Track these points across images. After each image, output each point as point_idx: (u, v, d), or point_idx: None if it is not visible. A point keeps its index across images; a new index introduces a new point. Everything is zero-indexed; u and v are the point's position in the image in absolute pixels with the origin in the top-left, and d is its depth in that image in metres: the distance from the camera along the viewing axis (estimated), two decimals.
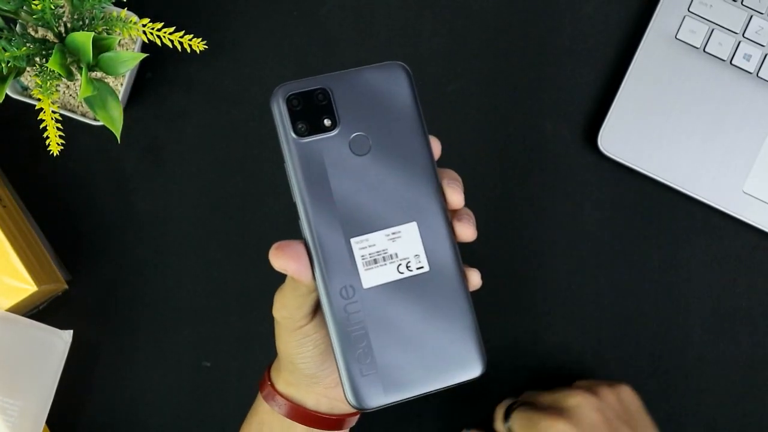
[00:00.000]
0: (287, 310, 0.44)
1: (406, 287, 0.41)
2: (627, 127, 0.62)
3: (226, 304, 0.63)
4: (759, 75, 0.62)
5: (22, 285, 0.57)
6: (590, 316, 0.64)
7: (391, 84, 0.42)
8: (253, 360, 0.63)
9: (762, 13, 0.62)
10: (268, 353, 0.63)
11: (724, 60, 0.62)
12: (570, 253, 0.64)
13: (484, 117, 0.64)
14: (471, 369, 0.41)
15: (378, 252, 0.41)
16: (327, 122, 0.41)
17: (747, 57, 0.62)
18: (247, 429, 0.51)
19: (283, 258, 0.40)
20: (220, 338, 0.63)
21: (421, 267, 0.41)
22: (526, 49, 0.64)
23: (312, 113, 0.41)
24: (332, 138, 0.41)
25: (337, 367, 0.40)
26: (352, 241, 0.41)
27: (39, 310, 0.62)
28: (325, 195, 0.41)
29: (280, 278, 0.60)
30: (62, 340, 0.59)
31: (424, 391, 0.41)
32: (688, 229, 0.64)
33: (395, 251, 0.41)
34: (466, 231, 0.42)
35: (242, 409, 0.63)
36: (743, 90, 0.62)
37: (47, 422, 0.59)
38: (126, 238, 0.63)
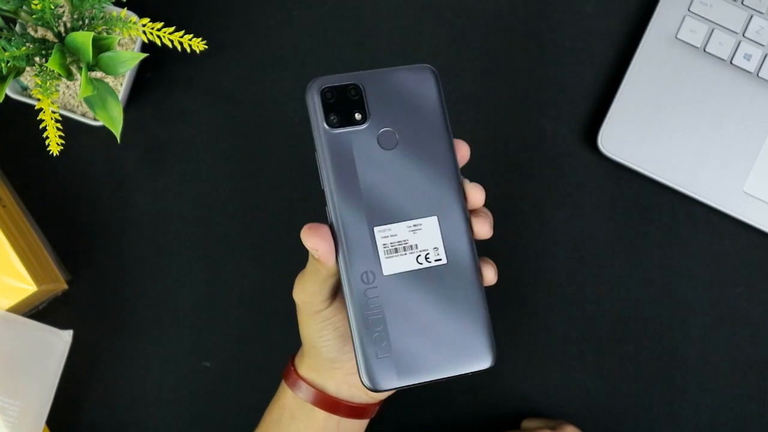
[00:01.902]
0: (306, 294, 0.46)
1: (423, 277, 0.43)
2: (627, 127, 0.62)
3: (226, 304, 0.63)
4: (759, 75, 0.62)
5: (22, 285, 0.57)
6: (590, 316, 0.64)
7: (420, 85, 0.44)
8: (253, 360, 0.63)
9: (762, 13, 0.62)
10: (268, 353, 0.63)
11: (724, 60, 0.62)
12: (570, 253, 0.64)
13: (484, 117, 0.64)
14: (481, 361, 0.43)
15: (399, 242, 0.43)
16: (357, 116, 0.43)
17: (747, 57, 0.62)
18: (269, 416, 0.52)
19: (315, 238, 0.42)
20: (220, 338, 0.63)
21: (440, 259, 0.43)
22: (526, 48, 0.64)
23: (344, 106, 0.43)
24: (361, 131, 0.43)
25: (354, 349, 0.42)
26: (376, 229, 0.43)
27: (39, 310, 0.62)
28: (352, 184, 0.43)
29: (281, 277, 0.60)
30: (62, 340, 0.59)
31: (435, 378, 0.42)
32: (688, 229, 0.64)
33: (416, 242, 0.43)
34: (484, 228, 0.44)
35: (242, 409, 0.63)
36: (743, 90, 0.62)
37: (47, 422, 0.59)
38: (126, 238, 0.63)
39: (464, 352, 0.43)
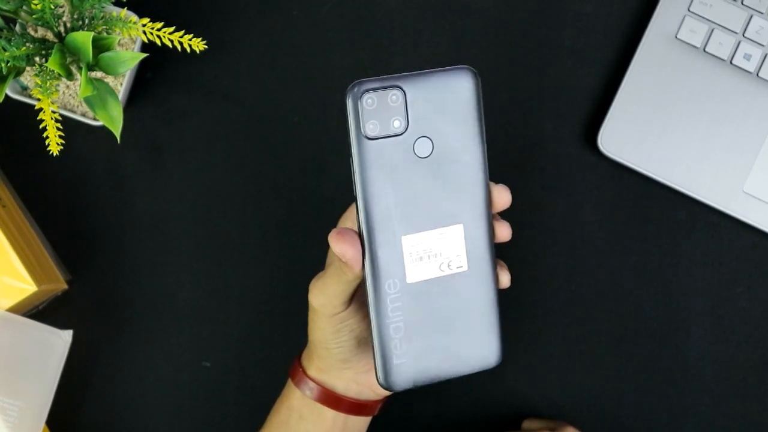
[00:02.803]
0: (325, 296, 0.46)
1: (444, 284, 0.43)
2: (627, 127, 0.62)
3: (226, 304, 0.63)
4: (759, 75, 0.62)
5: (22, 285, 0.57)
6: (590, 316, 0.64)
7: (459, 89, 0.42)
8: (253, 360, 0.63)
9: (762, 13, 0.62)
10: (268, 353, 0.63)
11: (724, 60, 0.62)
12: (570, 253, 0.64)
13: (484, 117, 0.64)
14: (488, 360, 0.44)
15: (425, 250, 0.43)
16: (397, 123, 0.41)
17: (747, 57, 0.62)
18: (276, 416, 0.52)
19: (344, 244, 0.42)
20: (220, 338, 0.63)
21: (461, 266, 0.43)
22: (526, 49, 0.64)
23: (384, 114, 0.41)
24: (399, 139, 0.42)
25: (373, 352, 0.43)
26: (404, 238, 0.42)
27: (39, 310, 0.62)
28: (385, 193, 0.42)
29: (281, 277, 0.60)
30: (62, 340, 0.59)
31: (447, 377, 0.44)
32: (688, 229, 0.64)
33: (440, 251, 0.43)
34: (505, 231, 0.45)
35: (242, 409, 0.63)
36: (743, 90, 0.62)
37: (47, 422, 0.59)
38: (126, 238, 0.63)
39: (474, 353, 0.44)
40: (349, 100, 0.41)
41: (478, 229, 0.43)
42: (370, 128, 0.41)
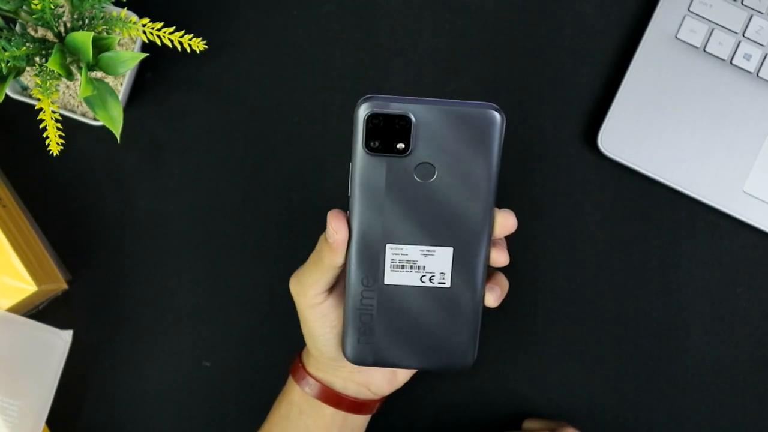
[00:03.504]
0: (301, 285, 0.47)
1: (422, 292, 0.45)
2: (627, 127, 0.62)
3: (226, 304, 0.63)
4: (759, 75, 0.62)
5: (22, 285, 0.57)
6: (590, 316, 0.64)
7: (480, 126, 0.42)
8: (253, 360, 0.63)
9: (762, 13, 0.62)
10: (268, 353, 0.63)
11: (724, 60, 0.62)
12: (570, 253, 0.64)
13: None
14: (458, 361, 0.47)
15: (408, 261, 0.44)
16: (400, 146, 0.42)
17: (747, 57, 0.62)
18: (277, 411, 0.53)
19: (340, 223, 0.43)
20: (220, 338, 0.63)
21: (443, 283, 0.45)
22: (526, 49, 0.64)
23: (388, 135, 0.42)
24: (400, 159, 0.42)
25: (342, 325, 0.47)
26: (388, 246, 0.44)
27: (39, 310, 0.62)
28: (378, 203, 0.43)
29: (281, 277, 0.60)
30: (62, 340, 0.59)
31: (410, 367, 0.48)
32: (688, 229, 0.64)
33: (424, 264, 0.44)
34: (502, 257, 0.45)
35: (242, 409, 0.63)
36: (743, 90, 0.62)
37: (47, 422, 0.59)
38: (126, 238, 0.63)
39: (443, 352, 0.47)
40: (358, 113, 0.41)
41: (470, 255, 0.44)
42: (372, 144, 0.42)
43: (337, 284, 0.48)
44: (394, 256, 0.44)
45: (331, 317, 0.48)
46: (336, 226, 0.43)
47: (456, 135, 0.42)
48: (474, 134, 0.42)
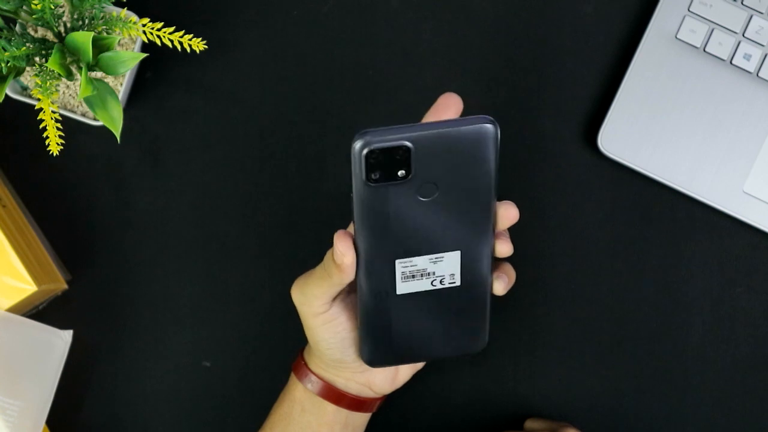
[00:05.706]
0: (305, 296, 0.47)
1: (434, 294, 0.46)
2: (627, 127, 0.62)
3: (226, 304, 0.63)
4: (759, 75, 0.62)
5: (22, 285, 0.57)
6: (590, 316, 0.64)
7: (475, 141, 0.42)
8: (253, 360, 0.63)
9: (762, 13, 0.62)
10: (268, 353, 0.63)
11: (724, 60, 0.62)
12: (570, 253, 0.64)
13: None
14: (471, 346, 0.50)
15: (418, 270, 0.45)
16: (401, 173, 0.42)
17: (747, 57, 0.62)
18: (280, 408, 0.53)
19: (345, 245, 0.44)
20: (220, 338, 0.63)
21: (453, 282, 0.46)
22: (526, 49, 0.64)
23: (388, 166, 0.42)
24: (402, 184, 0.42)
25: (358, 332, 0.48)
26: (397, 261, 0.44)
27: (39, 310, 0.62)
28: (382, 226, 0.43)
29: (281, 277, 0.60)
30: (62, 340, 0.59)
31: (426, 360, 0.51)
32: (688, 229, 0.64)
33: (433, 270, 0.45)
34: (506, 247, 0.47)
35: (242, 409, 0.63)
36: (743, 90, 0.62)
37: (47, 422, 0.59)
38: (126, 238, 0.63)
39: (456, 341, 0.49)
40: (354, 149, 0.41)
41: (477, 252, 0.45)
42: (374, 176, 0.41)
43: (341, 291, 0.48)
44: (405, 269, 0.45)
45: (335, 323, 0.48)
46: (343, 250, 0.43)
47: (454, 153, 0.42)
48: (471, 150, 0.42)
